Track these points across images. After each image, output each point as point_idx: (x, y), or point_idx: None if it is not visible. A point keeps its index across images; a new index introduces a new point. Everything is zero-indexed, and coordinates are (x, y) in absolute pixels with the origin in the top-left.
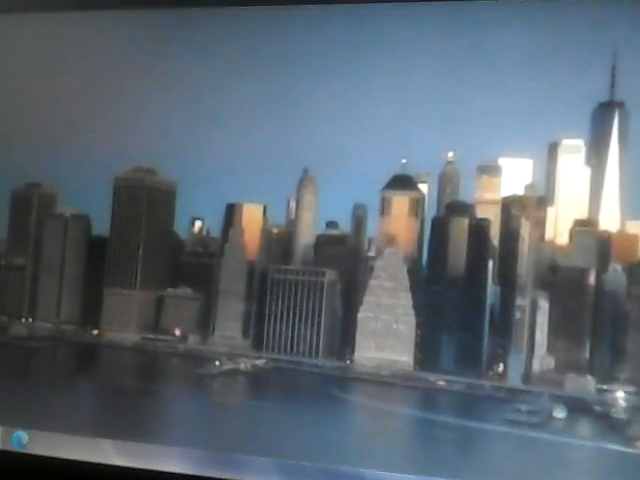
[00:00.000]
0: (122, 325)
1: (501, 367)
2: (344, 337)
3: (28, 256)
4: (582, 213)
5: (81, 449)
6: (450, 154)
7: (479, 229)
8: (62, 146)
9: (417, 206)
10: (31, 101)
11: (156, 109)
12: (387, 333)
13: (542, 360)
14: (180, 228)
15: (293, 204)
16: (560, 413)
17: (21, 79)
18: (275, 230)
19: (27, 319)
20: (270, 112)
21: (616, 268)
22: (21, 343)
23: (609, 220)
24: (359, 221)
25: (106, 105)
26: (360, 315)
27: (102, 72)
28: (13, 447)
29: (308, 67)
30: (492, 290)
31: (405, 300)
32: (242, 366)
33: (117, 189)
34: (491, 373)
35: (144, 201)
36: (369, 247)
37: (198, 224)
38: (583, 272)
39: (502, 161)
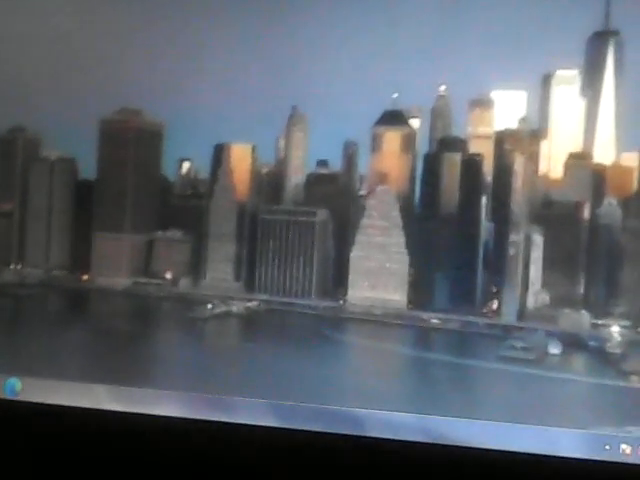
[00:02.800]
0: (112, 269)
1: (495, 304)
2: (337, 277)
3: (15, 202)
4: (576, 146)
5: (75, 395)
6: (442, 88)
7: (472, 165)
8: (45, 88)
9: (409, 142)
10: (12, 42)
11: (141, 48)
12: (380, 272)
13: (536, 296)
14: (168, 170)
15: (282, 143)
16: (555, 349)
17: (1, 20)
18: (265, 170)
19: (16, 265)
20: (257, 49)
21: (611, 202)
22: (11, 290)
23: (604, 153)
24: (350, 159)
25: (90, 45)
26: (352, 254)
27: (86, 11)
28: (7, 395)
29: (295, 3)
30: (485, 226)
31: (397, 238)
32: (234, 309)
33: (103, 131)
34: (485, 310)
35: (131, 143)
36: (360, 185)
37: (186, 165)
38: (578, 206)
39: (495, 94)
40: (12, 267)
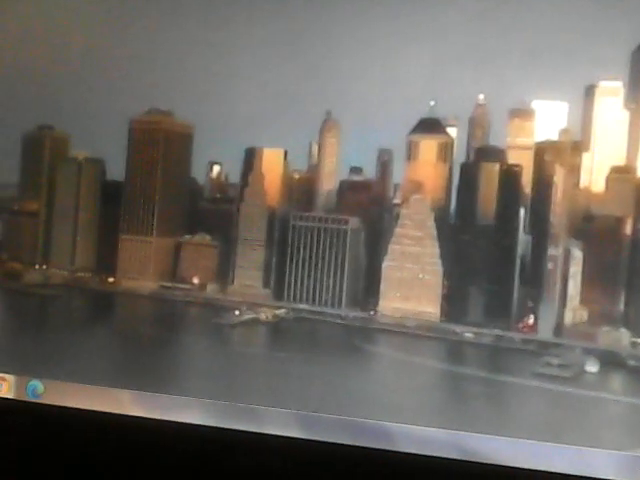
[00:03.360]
0: (139, 273)
1: (531, 319)
2: (368, 287)
3: (41, 201)
4: (619, 159)
5: (97, 399)
6: (481, 96)
7: (510, 175)
8: (75, 87)
9: (445, 151)
10: (42, 40)
11: (172, 49)
12: (413, 283)
13: (575, 312)
14: (198, 173)
15: (315, 148)
16: (592, 367)
17: (32, 18)
18: (296, 176)
19: (41, 266)
20: (291, 52)
21: None
22: (35, 291)
23: None
24: (384, 166)
25: (121, 45)
26: (385, 264)
27: (117, 11)
28: (28, 397)
29: (331, 5)
30: (523, 239)
31: (432, 249)
32: (262, 316)
33: (132, 132)
34: (521, 325)
35: (160, 144)
36: (395, 194)
37: (216, 169)
38: (619, 221)
39: (535, 104)
40: (37, 267)
